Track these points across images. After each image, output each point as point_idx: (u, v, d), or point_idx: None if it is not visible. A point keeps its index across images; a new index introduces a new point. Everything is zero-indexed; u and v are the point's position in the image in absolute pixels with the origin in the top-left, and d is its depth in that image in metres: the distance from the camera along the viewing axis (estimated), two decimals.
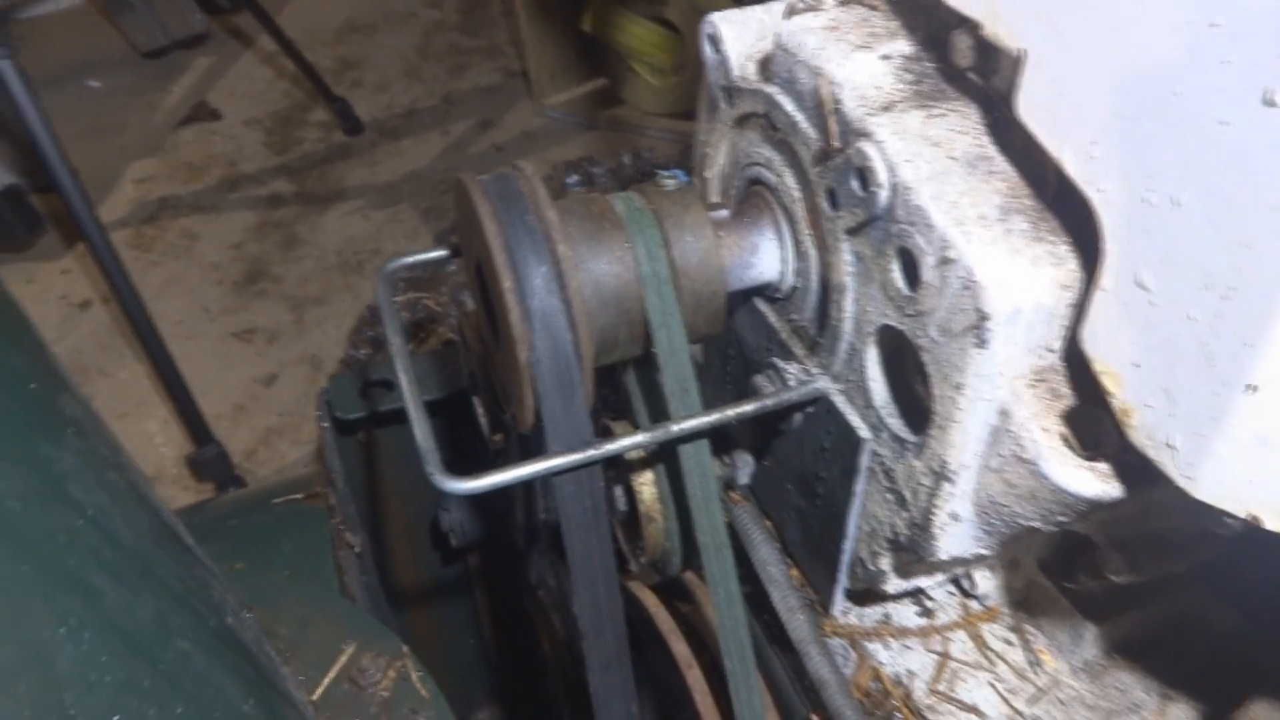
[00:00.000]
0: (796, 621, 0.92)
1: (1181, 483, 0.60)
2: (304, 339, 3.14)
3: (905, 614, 1.01)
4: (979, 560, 0.85)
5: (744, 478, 1.03)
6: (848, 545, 0.92)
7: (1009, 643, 0.98)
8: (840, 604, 1.00)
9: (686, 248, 0.87)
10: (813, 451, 0.93)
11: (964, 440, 0.73)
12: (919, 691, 0.94)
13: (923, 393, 0.78)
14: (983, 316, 0.67)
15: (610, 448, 0.81)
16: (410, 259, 1.02)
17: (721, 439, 1.06)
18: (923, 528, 0.81)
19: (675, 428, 0.82)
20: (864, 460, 0.85)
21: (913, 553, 0.84)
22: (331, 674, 0.84)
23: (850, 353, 0.85)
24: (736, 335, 1.06)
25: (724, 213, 0.93)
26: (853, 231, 0.80)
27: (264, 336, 3.17)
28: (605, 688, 0.92)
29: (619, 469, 0.99)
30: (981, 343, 0.68)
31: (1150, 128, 0.57)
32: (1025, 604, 0.99)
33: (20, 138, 2.65)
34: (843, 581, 0.97)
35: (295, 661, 0.85)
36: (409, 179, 3.71)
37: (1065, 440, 0.68)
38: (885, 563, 0.90)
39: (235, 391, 3.00)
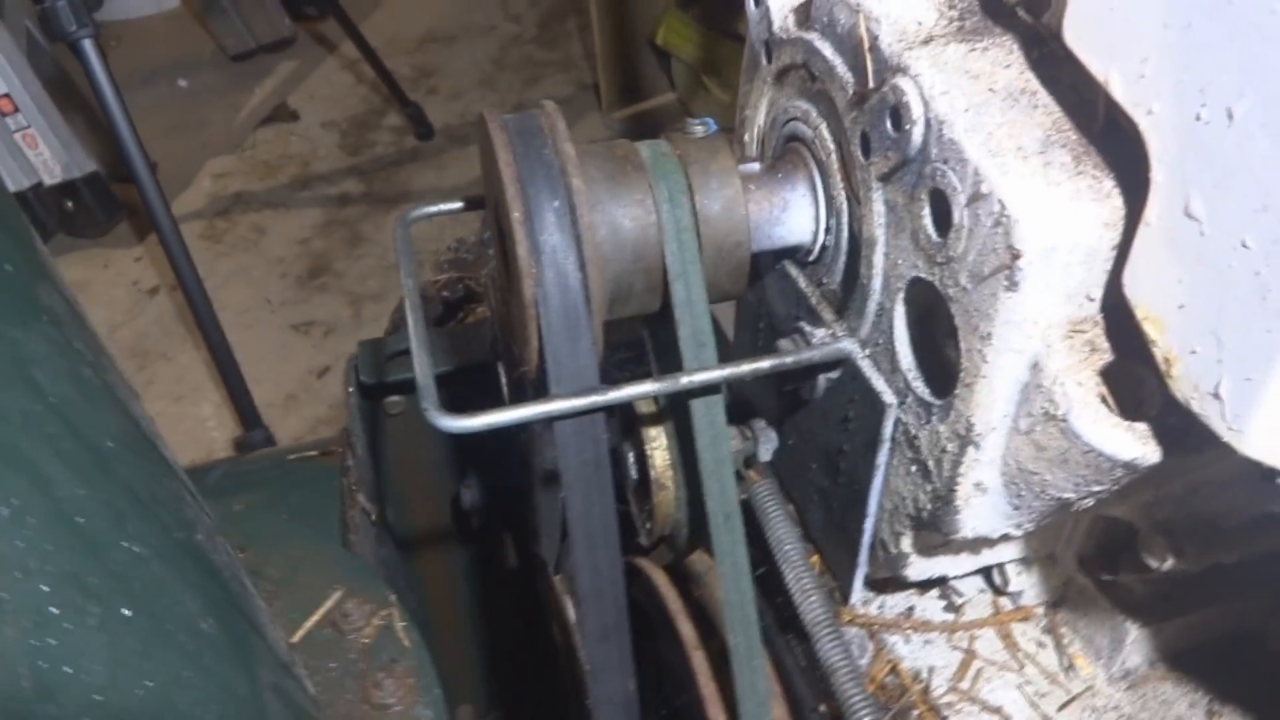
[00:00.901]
0: (810, 603, 0.86)
1: (1227, 436, 0.54)
2: (360, 333, 3.16)
3: (931, 608, 0.94)
4: (1006, 541, 0.78)
5: (766, 454, 0.97)
6: (869, 524, 0.86)
7: (1041, 645, 0.91)
8: (860, 592, 0.94)
9: (711, 195, 0.83)
10: (836, 424, 0.87)
11: (991, 399, 0.67)
12: (939, 689, 0.87)
13: (952, 356, 0.73)
14: (1014, 255, 0.61)
15: (615, 394, 0.77)
16: (432, 209, 1.00)
17: (744, 413, 1.01)
18: (946, 500, 0.75)
19: (686, 379, 0.77)
20: (888, 428, 0.79)
21: (936, 529, 0.78)
22: (315, 618, 0.81)
23: (879, 313, 0.80)
24: (767, 306, 1.01)
25: (755, 166, 0.89)
26: (885, 178, 0.75)
27: (321, 329, 3.20)
28: (601, 659, 0.87)
29: (633, 433, 0.95)
30: (1012, 285, 0.62)
31: (1204, 33, 0.52)
32: (1062, 604, 0.92)
33: (105, 128, 2.73)
34: (863, 566, 0.91)
35: (279, 603, 0.82)
36: (475, 183, 3.73)
37: (1103, 399, 0.62)
38: (907, 543, 0.84)
39: (289, 381, 3.03)
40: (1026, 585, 0.92)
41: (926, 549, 0.85)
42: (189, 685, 0.60)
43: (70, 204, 3.53)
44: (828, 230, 0.86)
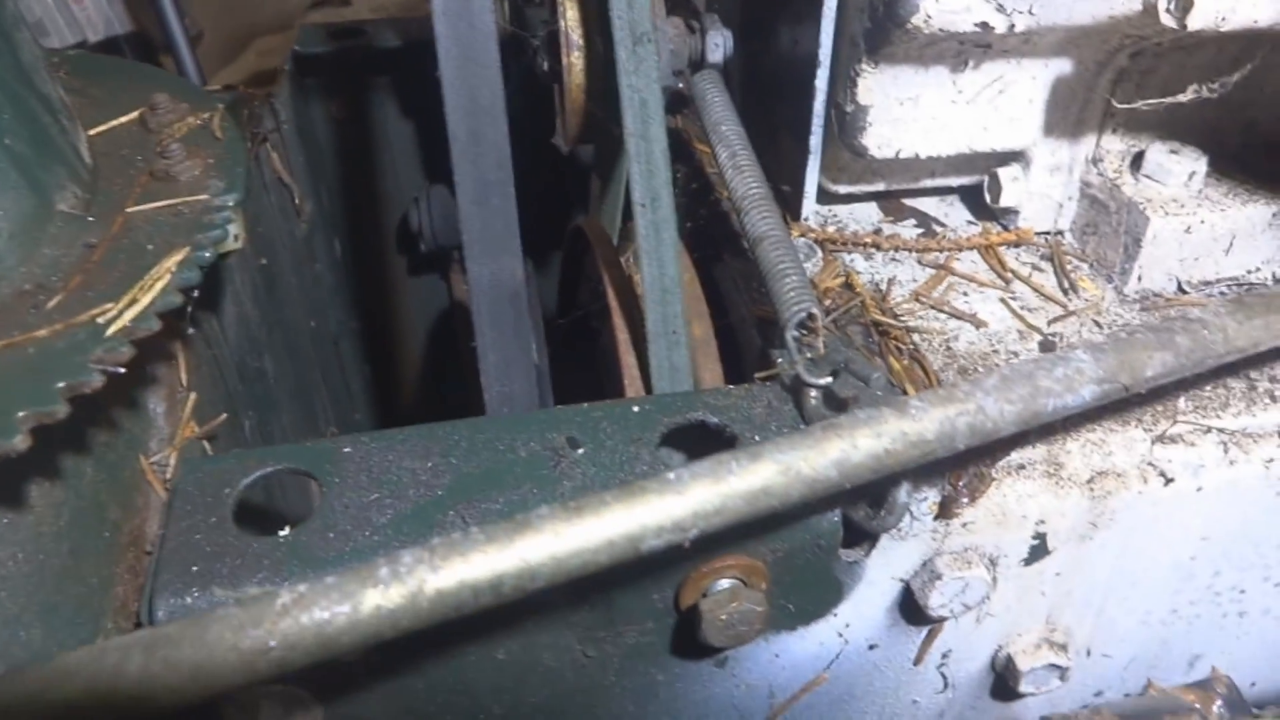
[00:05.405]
0: (742, 179, 0.68)
1: None
2: None
3: (904, 233, 0.76)
4: (983, 33, 0.59)
5: (715, 54, 0.79)
6: (822, 75, 0.69)
7: (1037, 269, 0.72)
8: (813, 201, 0.76)
9: None
10: None
11: None
12: (900, 297, 0.69)
13: None
14: None
15: None
16: None
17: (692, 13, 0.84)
18: None
19: None
20: None
21: (892, 22, 0.60)
22: (124, 118, 0.66)
23: None
24: None
25: None
26: None
27: None
28: (479, 227, 0.70)
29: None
30: None
31: None
32: (1072, 228, 0.73)
33: None
34: (816, 153, 0.73)
35: (89, 112, 0.66)
36: None
37: None
38: (865, 87, 0.66)
39: None
40: (1023, 201, 0.73)
41: (889, 109, 0.67)
42: None
43: None
44: None
